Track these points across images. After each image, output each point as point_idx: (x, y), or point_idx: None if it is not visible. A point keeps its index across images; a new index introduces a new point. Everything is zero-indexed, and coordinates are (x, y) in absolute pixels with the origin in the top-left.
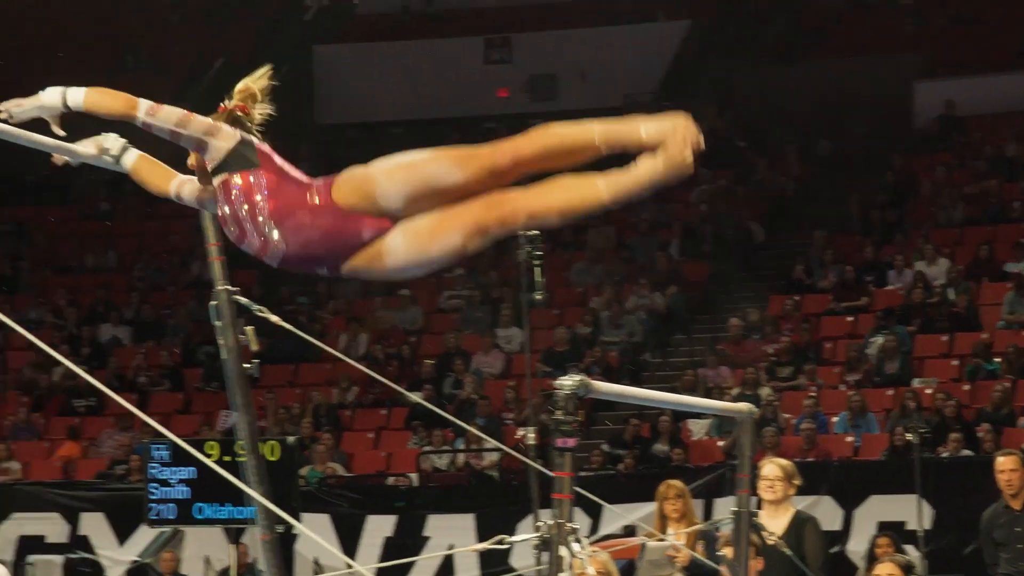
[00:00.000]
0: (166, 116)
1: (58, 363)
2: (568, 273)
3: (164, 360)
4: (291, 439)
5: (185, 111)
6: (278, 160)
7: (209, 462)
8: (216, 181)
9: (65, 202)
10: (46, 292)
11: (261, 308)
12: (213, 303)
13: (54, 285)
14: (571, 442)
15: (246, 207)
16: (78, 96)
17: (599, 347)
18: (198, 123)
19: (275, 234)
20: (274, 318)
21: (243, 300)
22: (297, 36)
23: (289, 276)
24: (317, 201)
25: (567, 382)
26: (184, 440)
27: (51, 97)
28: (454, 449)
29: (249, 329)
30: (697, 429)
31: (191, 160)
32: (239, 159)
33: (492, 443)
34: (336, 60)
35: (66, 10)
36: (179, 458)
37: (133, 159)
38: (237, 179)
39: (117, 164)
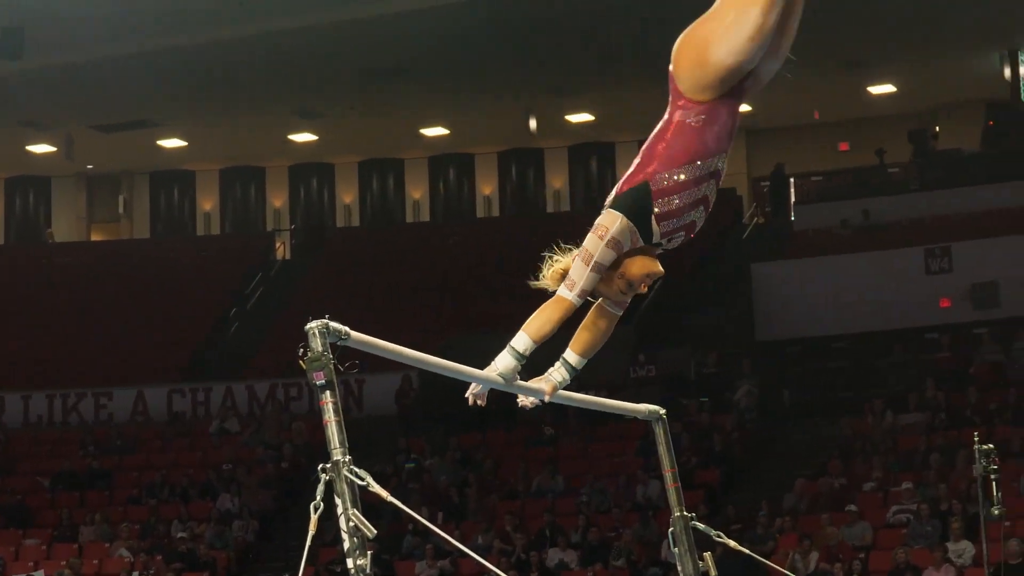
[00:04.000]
0: (581, 275)
1: None
2: (1018, 484)
3: None
4: None
5: (579, 252)
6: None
7: None
8: (657, 238)
9: (511, 428)
10: (493, 518)
11: (719, 534)
12: (670, 529)
13: (501, 511)
14: None
15: (684, 220)
16: (524, 341)
17: None
18: (594, 245)
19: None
20: (732, 543)
21: (700, 526)
22: (735, 255)
23: (736, 495)
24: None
25: None
26: None
27: (505, 363)
28: None
29: (707, 555)
30: None
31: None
32: (638, 212)
33: None
34: (775, 276)
35: (512, 238)
36: None
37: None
38: (661, 225)
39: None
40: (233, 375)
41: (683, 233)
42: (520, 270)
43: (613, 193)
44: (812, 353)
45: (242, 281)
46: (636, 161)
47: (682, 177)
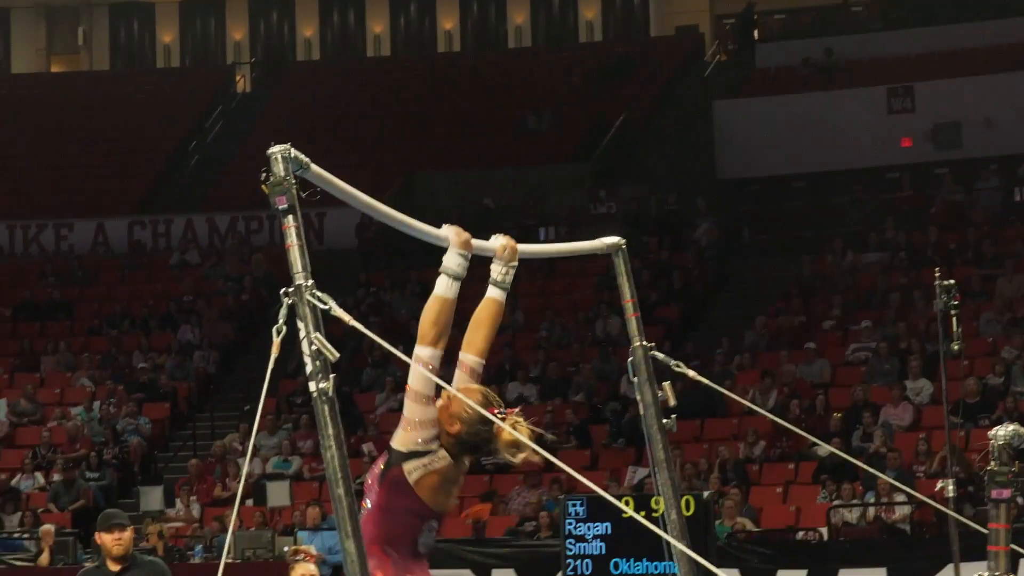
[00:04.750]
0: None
1: None
2: (977, 323)
3: (570, 417)
4: (706, 494)
5: (437, 414)
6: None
7: (640, 517)
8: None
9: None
10: (453, 353)
11: (679, 363)
12: (629, 359)
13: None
14: (1006, 493)
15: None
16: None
17: (1011, 397)
18: (428, 421)
19: None
20: (691, 373)
21: (660, 356)
22: (696, 92)
23: (695, 332)
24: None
25: (1001, 432)
26: (595, 497)
27: (490, 242)
28: (865, 503)
29: (666, 384)
30: None
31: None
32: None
33: (906, 495)
34: (736, 115)
35: (473, 74)
36: (595, 514)
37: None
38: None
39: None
40: (193, 207)
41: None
42: (482, 106)
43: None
44: (772, 191)
45: (202, 114)
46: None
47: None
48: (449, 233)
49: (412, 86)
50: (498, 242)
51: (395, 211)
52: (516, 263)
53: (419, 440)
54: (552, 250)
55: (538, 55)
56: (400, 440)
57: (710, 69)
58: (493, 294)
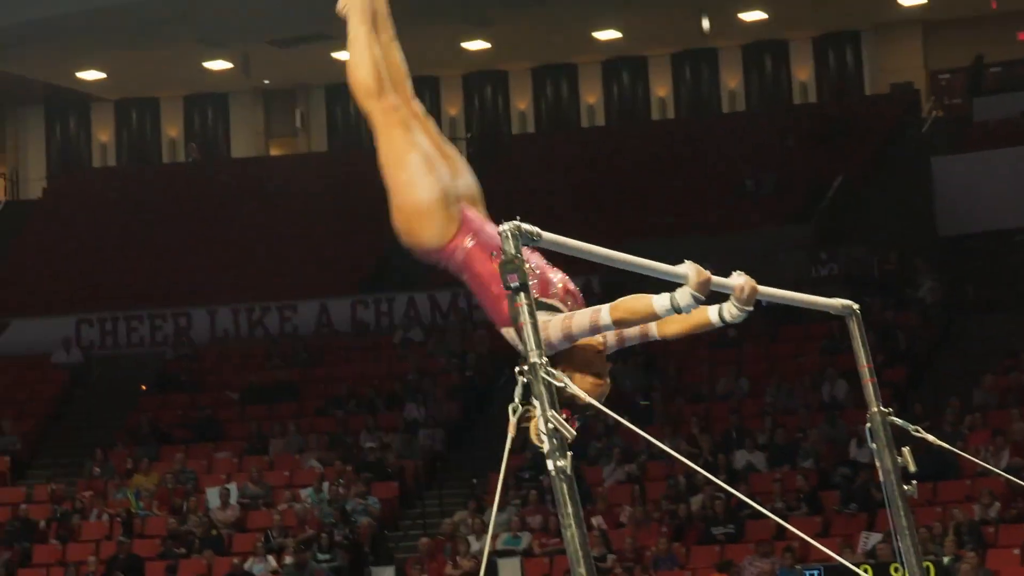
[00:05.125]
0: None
1: (695, 492)
2: None
3: (799, 484)
4: (946, 559)
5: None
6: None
7: None
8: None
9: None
10: (679, 421)
11: (917, 428)
12: (867, 425)
13: (687, 414)
14: None
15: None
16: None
17: None
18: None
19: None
20: (931, 438)
21: (898, 421)
22: (914, 149)
23: (922, 392)
24: None
25: None
26: (832, 566)
27: (731, 279)
28: None
29: (906, 450)
30: None
31: None
32: None
33: None
34: (955, 170)
35: (688, 140)
36: None
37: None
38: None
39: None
40: (415, 285)
41: None
42: (698, 172)
43: None
44: (996, 246)
45: None
46: None
47: None
48: (690, 272)
49: (627, 155)
50: (738, 281)
51: (631, 256)
52: (751, 308)
53: (539, 336)
54: (787, 297)
55: (753, 118)
56: (552, 325)
57: (927, 125)
58: (712, 318)
